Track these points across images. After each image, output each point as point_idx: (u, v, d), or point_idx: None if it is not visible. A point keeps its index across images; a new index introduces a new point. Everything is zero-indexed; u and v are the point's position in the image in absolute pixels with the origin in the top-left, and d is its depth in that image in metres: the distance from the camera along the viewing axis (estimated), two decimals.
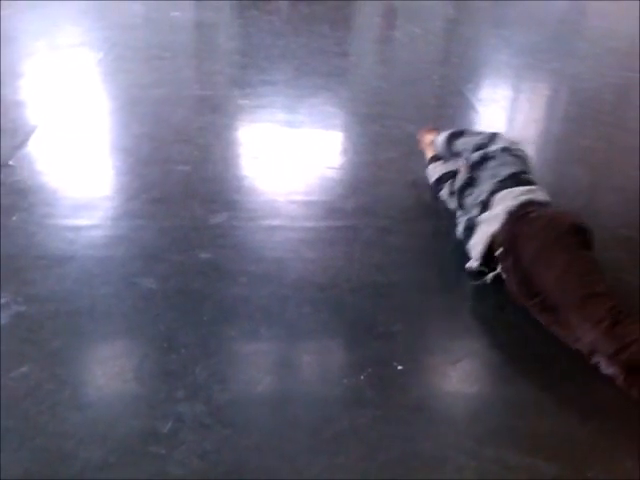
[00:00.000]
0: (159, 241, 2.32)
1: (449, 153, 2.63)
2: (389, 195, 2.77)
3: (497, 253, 2.09)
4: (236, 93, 3.90)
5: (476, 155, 2.40)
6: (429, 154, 2.81)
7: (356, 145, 3.33)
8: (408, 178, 2.90)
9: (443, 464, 1.53)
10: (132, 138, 3.17)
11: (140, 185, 2.69)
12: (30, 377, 1.68)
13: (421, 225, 2.56)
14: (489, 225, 2.14)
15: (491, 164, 2.33)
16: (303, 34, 5.19)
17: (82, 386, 1.70)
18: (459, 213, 2.38)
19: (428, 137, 2.83)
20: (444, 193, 2.58)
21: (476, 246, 2.17)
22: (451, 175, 2.56)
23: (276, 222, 2.49)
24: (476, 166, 2.37)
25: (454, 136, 2.60)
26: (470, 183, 2.35)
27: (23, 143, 3.00)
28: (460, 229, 2.29)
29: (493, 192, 2.22)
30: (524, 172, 2.30)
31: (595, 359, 1.80)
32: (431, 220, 2.58)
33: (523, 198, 2.16)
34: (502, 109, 4.05)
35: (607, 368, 1.76)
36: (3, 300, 1.94)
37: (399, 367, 1.80)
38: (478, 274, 2.16)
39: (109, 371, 1.74)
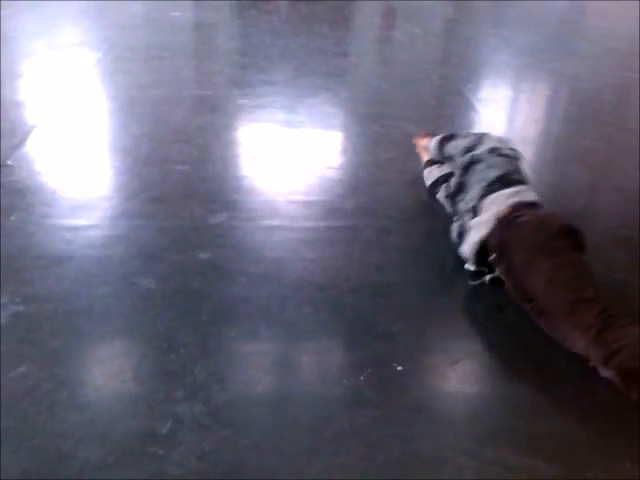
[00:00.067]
0: (158, 241, 2.31)
1: (442, 157, 2.66)
2: (388, 195, 2.77)
3: (490, 258, 2.10)
4: (235, 93, 3.90)
5: (465, 159, 2.41)
6: (425, 158, 2.83)
7: (355, 145, 3.33)
8: (407, 178, 2.90)
9: (443, 464, 1.52)
10: (131, 138, 3.16)
11: (139, 185, 2.69)
12: (28, 377, 1.67)
13: (421, 225, 2.55)
14: (478, 231, 2.14)
15: (479, 167, 2.33)
16: (302, 34, 5.19)
17: (81, 386, 1.69)
18: (455, 218, 2.38)
19: (423, 142, 2.86)
20: (440, 196, 2.59)
21: (467, 252, 2.18)
22: (446, 178, 2.56)
23: (275, 222, 2.49)
24: (465, 170, 2.38)
25: (445, 140, 2.63)
26: (461, 188, 2.36)
27: (21, 143, 2.99)
28: (454, 235, 2.30)
29: (482, 197, 2.23)
30: (512, 172, 2.29)
31: (592, 363, 1.80)
32: (431, 220, 2.57)
33: (511, 201, 2.15)
34: (502, 109, 4.05)
35: (604, 372, 1.76)
36: (1, 300, 1.94)
37: (399, 367, 1.80)
38: (478, 274, 2.16)
39: (108, 371, 1.74)
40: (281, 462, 1.50)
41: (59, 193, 2.62)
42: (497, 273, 2.11)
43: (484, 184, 2.25)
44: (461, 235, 2.23)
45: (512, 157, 2.38)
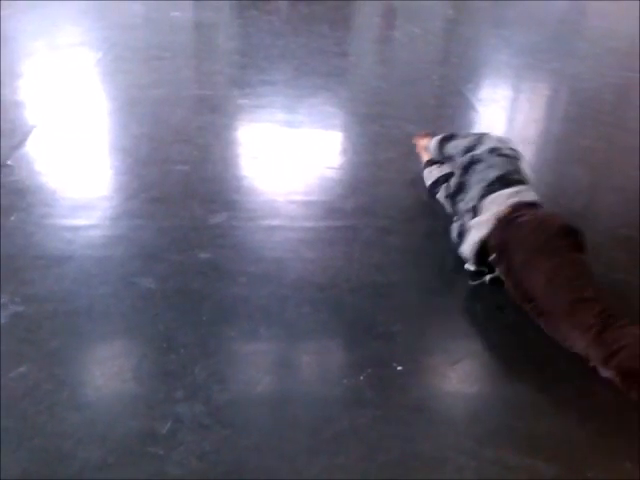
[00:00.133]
0: (158, 241, 2.31)
1: (442, 157, 2.66)
2: (388, 195, 2.77)
3: (490, 258, 2.10)
4: (235, 93, 3.90)
5: (465, 159, 2.41)
6: (425, 158, 2.83)
7: (355, 145, 3.33)
8: (407, 178, 2.90)
9: (443, 464, 1.52)
10: (131, 138, 3.16)
11: (139, 185, 2.69)
12: (28, 377, 1.67)
13: (421, 225, 2.55)
14: (478, 230, 2.14)
15: (479, 167, 2.33)
16: (302, 34, 5.19)
17: (81, 386, 1.69)
18: (455, 218, 2.38)
19: (423, 142, 2.86)
20: (440, 196, 2.59)
21: (466, 252, 2.18)
22: (446, 178, 2.56)
23: (275, 222, 2.48)
24: (465, 170, 2.38)
25: (445, 140, 2.64)
26: (461, 188, 2.36)
27: (21, 143, 2.99)
28: (454, 235, 2.30)
29: (482, 197, 2.23)
30: (512, 172, 2.29)
31: (592, 363, 1.80)
32: (431, 220, 2.57)
33: (511, 201, 2.15)
34: (502, 109, 4.05)
35: (604, 372, 1.76)
36: (1, 300, 1.94)
37: (399, 367, 1.80)
38: (478, 274, 2.16)
39: (108, 371, 1.74)
40: (281, 462, 1.50)
41: (59, 193, 2.62)
42: (497, 273, 2.11)
43: (484, 184, 2.25)
44: (461, 235, 2.23)
45: (512, 157, 2.38)
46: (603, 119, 3.79)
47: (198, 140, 3.15)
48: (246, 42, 5.09)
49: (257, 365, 1.81)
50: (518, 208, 2.12)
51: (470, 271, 2.19)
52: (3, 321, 1.86)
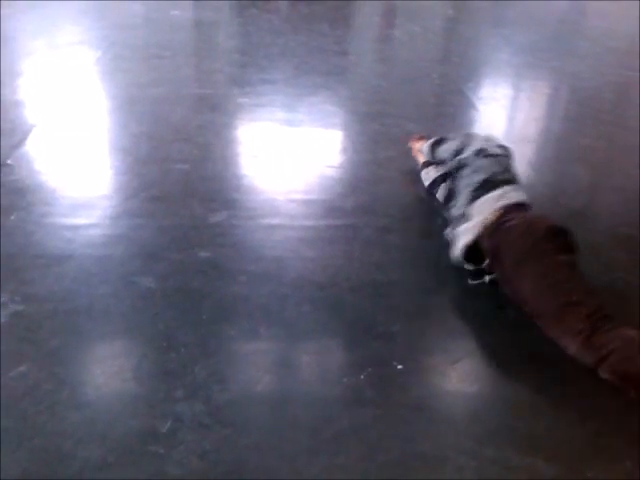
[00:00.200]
0: (158, 240, 2.31)
1: (435, 161, 2.69)
2: (388, 193, 2.77)
3: (484, 265, 2.11)
4: (235, 92, 3.89)
5: (453, 163, 2.45)
6: (421, 160, 2.84)
7: (355, 144, 3.32)
8: (408, 177, 2.90)
9: (443, 464, 1.52)
10: (131, 137, 3.16)
11: (139, 184, 2.69)
12: (28, 376, 1.67)
13: (421, 224, 2.55)
14: (465, 236, 2.15)
15: (466, 172, 2.35)
16: (302, 33, 5.18)
17: (81, 385, 1.69)
18: (450, 224, 2.39)
19: (417, 145, 2.89)
20: (440, 195, 2.59)
21: (455, 258, 2.19)
22: (444, 178, 2.56)
23: (275, 221, 2.48)
24: (454, 176, 2.41)
25: (436, 144, 2.68)
26: (451, 195, 2.38)
27: (21, 142, 2.99)
28: (449, 240, 2.30)
29: (470, 202, 2.24)
30: (497, 173, 2.30)
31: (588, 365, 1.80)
32: (431, 218, 2.57)
33: (499, 205, 2.16)
34: (502, 108, 4.04)
35: (602, 373, 1.76)
36: (1, 299, 1.93)
37: (399, 367, 1.79)
38: (478, 274, 2.15)
39: (108, 370, 1.74)
40: (281, 462, 1.50)
41: (59, 192, 2.62)
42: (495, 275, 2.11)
43: (470, 189, 2.27)
44: (452, 241, 2.24)
45: (499, 155, 2.41)
46: (603, 118, 3.79)
47: (198, 139, 3.14)
48: (246, 41, 5.08)
49: (257, 364, 1.81)
50: (506, 212, 2.12)
51: (470, 270, 2.18)
52: (3, 320, 1.86)
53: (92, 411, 1.60)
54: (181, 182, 2.73)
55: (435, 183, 2.63)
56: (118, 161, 2.94)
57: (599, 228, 2.57)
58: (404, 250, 2.36)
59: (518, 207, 2.18)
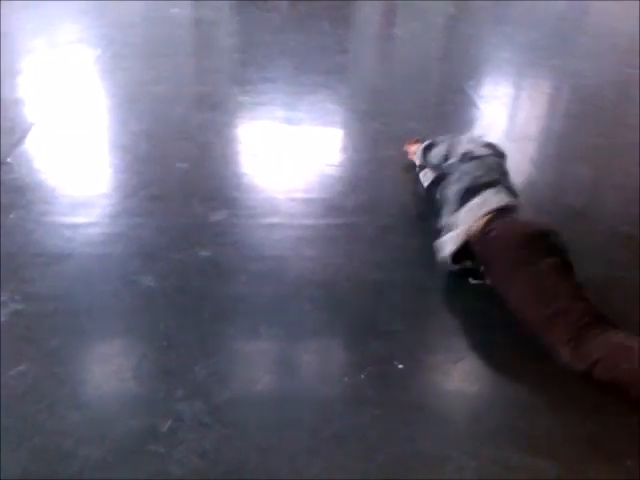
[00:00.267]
0: (158, 239, 2.31)
1: (428, 166, 2.69)
2: (389, 192, 2.76)
3: (481, 270, 2.11)
4: (236, 90, 3.89)
5: (442, 171, 2.46)
6: (417, 163, 2.84)
7: (356, 142, 3.32)
8: (408, 176, 2.89)
9: (443, 464, 1.52)
10: (130, 135, 3.15)
11: (138, 183, 2.68)
12: (28, 376, 1.67)
13: (421, 223, 2.55)
14: (448, 246, 2.14)
15: (451, 179, 2.36)
16: (303, 31, 5.17)
17: (81, 385, 1.69)
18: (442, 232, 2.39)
19: (412, 148, 2.90)
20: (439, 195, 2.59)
21: (443, 264, 2.18)
22: (442, 178, 2.56)
23: (276, 220, 2.48)
24: (442, 185, 2.41)
25: (427, 149, 2.69)
26: (441, 204, 2.37)
27: (21, 141, 2.99)
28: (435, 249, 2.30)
29: (455, 211, 2.23)
30: (479, 177, 2.28)
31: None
32: (431, 218, 2.56)
33: (481, 212, 2.13)
34: (503, 106, 4.03)
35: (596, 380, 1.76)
36: (1, 298, 1.93)
37: (400, 366, 1.79)
38: (478, 273, 2.15)
39: (108, 370, 1.74)
40: (281, 461, 1.49)
41: (58, 191, 2.62)
42: None
43: (457, 197, 2.26)
44: (437, 250, 2.22)
45: (485, 156, 2.41)
46: (604, 116, 3.78)
47: (198, 137, 3.14)
48: (246, 39, 5.07)
49: (257, 364, 1.81)
50: (490, 220, 2.09)
51: (470, 270, 2.18)
52: (3, 319, 1.86)
53: (92, 410, 1.60)
54: (181, 181, 2.73)
55: (433, 184, 2.63)
56: (117, 159, 2.94)
57: (599, 227, 2.57)
58: (405, 249, 2.36)
59: (502, 212, 2.13)
